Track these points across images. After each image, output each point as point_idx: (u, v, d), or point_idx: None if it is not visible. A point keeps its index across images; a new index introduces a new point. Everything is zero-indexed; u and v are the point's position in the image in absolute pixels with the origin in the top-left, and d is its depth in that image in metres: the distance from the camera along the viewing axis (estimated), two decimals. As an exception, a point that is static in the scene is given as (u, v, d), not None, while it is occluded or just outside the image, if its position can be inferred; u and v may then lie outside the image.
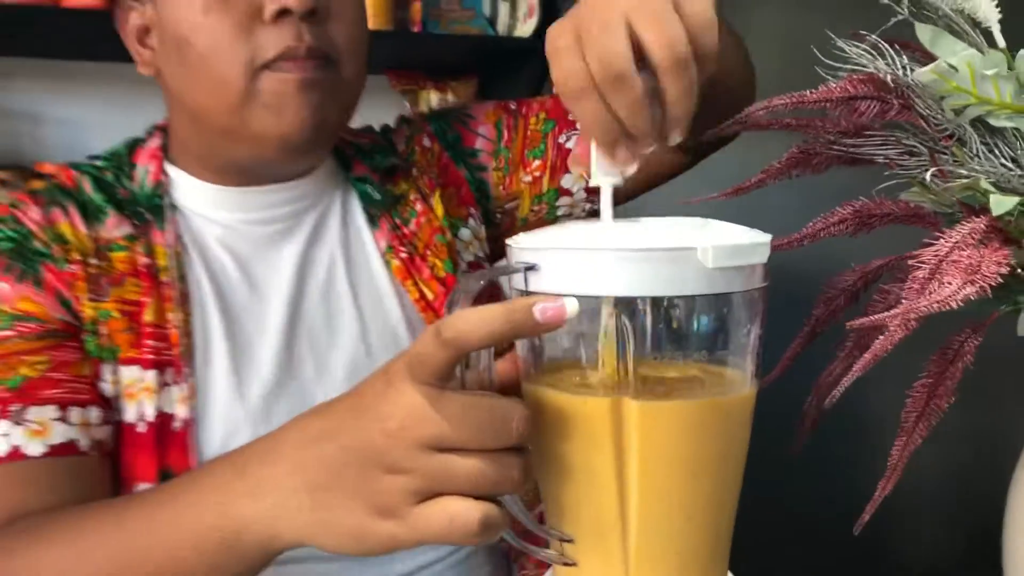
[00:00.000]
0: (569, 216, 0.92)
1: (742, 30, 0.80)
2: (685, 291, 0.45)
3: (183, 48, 0.73)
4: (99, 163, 0.81)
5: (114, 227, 0.76)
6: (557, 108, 0.89)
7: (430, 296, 0.82)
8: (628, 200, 0.87)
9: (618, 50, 0.50)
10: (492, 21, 1.79)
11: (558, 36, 0.53)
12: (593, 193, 0.87)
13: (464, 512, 0.45)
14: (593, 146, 0.53)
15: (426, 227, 0.86)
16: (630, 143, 0.52)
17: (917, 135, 0.59)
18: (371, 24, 1.64)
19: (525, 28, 1.75)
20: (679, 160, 0.87)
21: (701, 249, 0.44)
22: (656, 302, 0.46)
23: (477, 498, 0.45)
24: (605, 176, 0.53)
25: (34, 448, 0.68)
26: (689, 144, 0.79)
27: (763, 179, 0.69)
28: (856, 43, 0.61)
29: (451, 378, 0.45)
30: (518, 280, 0.48)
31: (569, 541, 0.50)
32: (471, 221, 0.89)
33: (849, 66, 0.61)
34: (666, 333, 0.47)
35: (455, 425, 0.44)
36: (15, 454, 0.67)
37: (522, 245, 0.48)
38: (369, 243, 0.85)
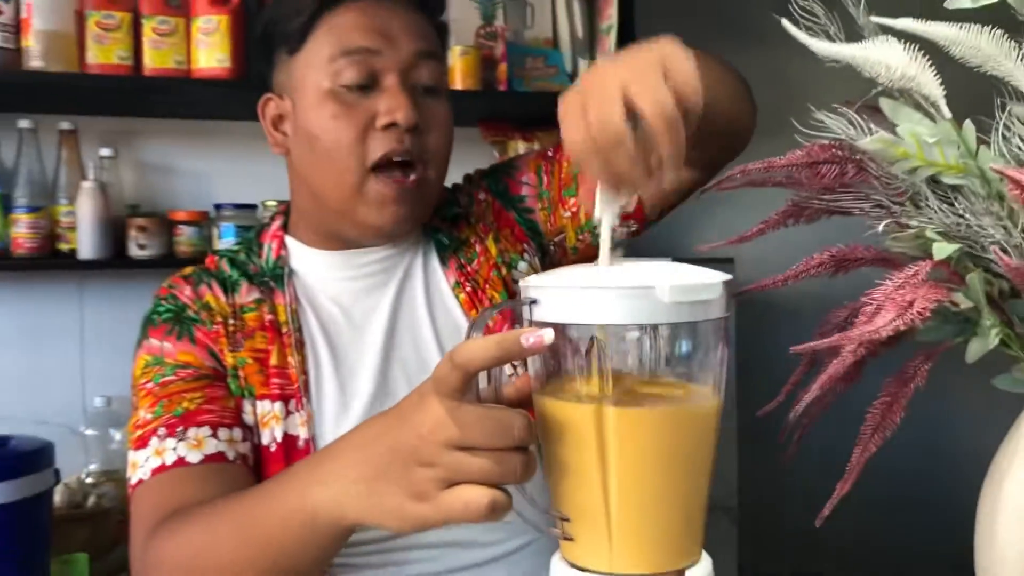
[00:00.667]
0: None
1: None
2: (649, 320, 0.58)
3: (313, 142, 0.93)
4: (234, 247, 1.03)
5: (246, 294, 0.96)
6: None
7: (490, 324, 0.97)
8: (659, 219, 1.03)
9: (615, 119, 0.63)
10: (572, 77, 1.94)
11: (567, 104, 0.67)
12: (628, 218, 1.01)
13: (476, 498, 0.58)
14: (598, 189, 0.66)
15: (484, 265, 1.02)
16: (628, 187, 0.65)
17: (880, 192, 0.70)
18: (462, 85, 1.82)
19: (603, 83, 1.89)
20: (695, 178, 0.99)
21: (659, 287, 0.56)
22: (629, 329, 0.58)
23: (491, 487, 0.58)
24: (607, 212, 0.66)
25: (193, 456, 0.86)
26: (702, 166, 0.94)
27: (763, 229, 0.80)
28: (830, 114, 0.72)
29: (467, 392, 0.58)
30: (526, 311, 0.62)
31: (566, 520, 0.62)
32: (526, 255, 1.05)
33: (826, 134, 0.72)
34: (641, 354, 0.60)
35: (468, 431, 0.57)
36: (180, 461, 0.86)
37: (528, 284, 0.61)
38: (442, 281, 1.02)
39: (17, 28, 1.60)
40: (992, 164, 0.61)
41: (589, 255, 1.07)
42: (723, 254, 1.36)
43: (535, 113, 1.99)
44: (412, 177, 0.92)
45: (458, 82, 1.83)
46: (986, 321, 0.67)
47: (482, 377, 0.60)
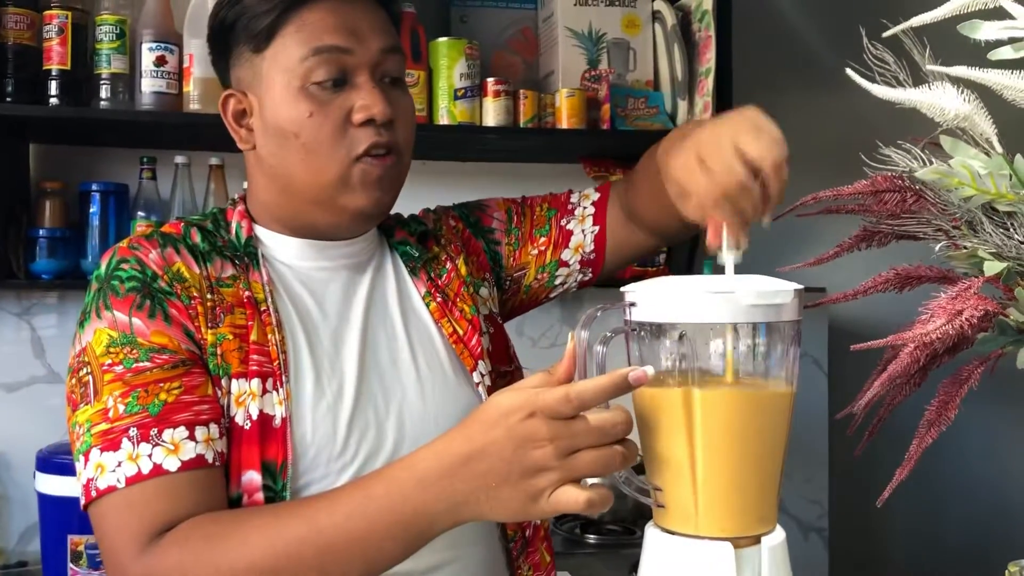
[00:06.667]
0: (563, 285, 1.15)
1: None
2: (730, 320, 0.69)
3: (288, 139, 0.93)
4: (197, 217, 1.00)
5: (221, 269, 0.94)
6: (556, 201, 1.16)
7: (460, 332, 1.03)
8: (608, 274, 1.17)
9: (738, 168, 0.78)
10: (672, 117, 2.06)
11: (685, 162, 0.81)
12: (587, 264, 1.13)
13: (575, 497, 0.69)
14: (724, 232, 0.78)
15: (455, 280, 1.07)
16: (748, 225, 0.79)
17: (939, 217, 0.80)
18: (567, 124, 1.96)
19: (701, 122, 2.00)
20: (654, 245, 1.15)
21: (740, 292, 0.68)
22: (713, 326, 0.70)
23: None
24: (731, 251, 0.78)
25: (171, 464, 0.83)
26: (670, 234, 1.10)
27: (838, 252, 0.91)
28: (896, 149, 0.83)
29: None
30: (626, 312, 0.74)
31: (659, 490, 0.74)
32: (486, 283, 1.12)
33: (891, 167, 0.83)
34: (724, 350, 0.71)
35: (581, 439, 0.68)
36: (157, 470, 0.82)
37: (628, 289, 0.74)
38: (412, 289, 1.05)
39: (180, 76, 1.82)
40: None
41: (539, 297, 1.17)
42: (817, 284, 1.46)
43: (635, 150, 2.10)
44: (392, 158, 0.96)
45: (564, 121, 1.97)
46: (1034, 331, 0.77)
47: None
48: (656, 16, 2.08)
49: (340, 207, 0.96)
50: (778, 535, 0.73)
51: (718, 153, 0.78)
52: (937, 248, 0.78)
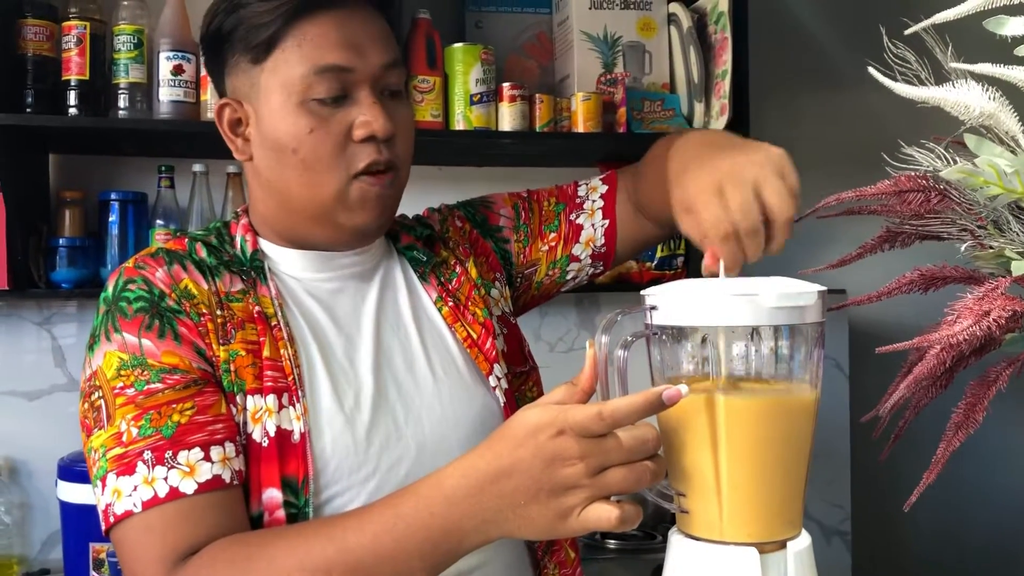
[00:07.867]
0: (575, 279, 1.15)
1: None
2: (754, 322, 0.69)
3: (286, 153, 0.92)
4: (201, 233, 0.99)
5: (229, 283, 0.93)
6: (563, 194, 1.14)
7: (474, 335, 1.02)
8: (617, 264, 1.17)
9: (755, 212, 0.77)
10: (689, 119, 2.05)
11: (707, 186, 0.80)
12: (598, 258, 1.13)
13: (607, 514, 0.68)
14: (721, 265, 0.78)
15: (466, 284, 1.06)
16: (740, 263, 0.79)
17: (964, 217, 0.79)
18: (583, 128, 1.96)
19: (717, 125, 1.99)
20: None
21: (763, 294, 0.67)
22: (736, 329, 0.69)
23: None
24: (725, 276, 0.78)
25: (187, 486, 0.82)
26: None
27: (861, 253, 0.90)
28: (918, 149, 0.82)
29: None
30: (647, 316, 0.73)
31: (682, 496, 0.73)
32: (497, 284, 1.11)
33: (914, 167, 0.82)
34: (748, 352, 0.71)
35: (612, 456, 0.68)
36: (174, 493, 0.81)
37: (648, 292, 0.73)
38: (423, 294, 1.04)
39: (197, 84, 1.83)
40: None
41: (551, 292, 1.17)
42: (835, 286, 1.45)
43: (652, 153, 2.10)
44: (390, 175, 0.95)
45: (580, 125, 1.97)
46: (1063, 332, 0.75)
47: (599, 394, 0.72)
48: (671, 19, 2.07)
49: (338, 224, 0.95)
50: (804, 540, 0.73)
51: (739, 190, 0.78)
52: (963, 248, 0.77)
